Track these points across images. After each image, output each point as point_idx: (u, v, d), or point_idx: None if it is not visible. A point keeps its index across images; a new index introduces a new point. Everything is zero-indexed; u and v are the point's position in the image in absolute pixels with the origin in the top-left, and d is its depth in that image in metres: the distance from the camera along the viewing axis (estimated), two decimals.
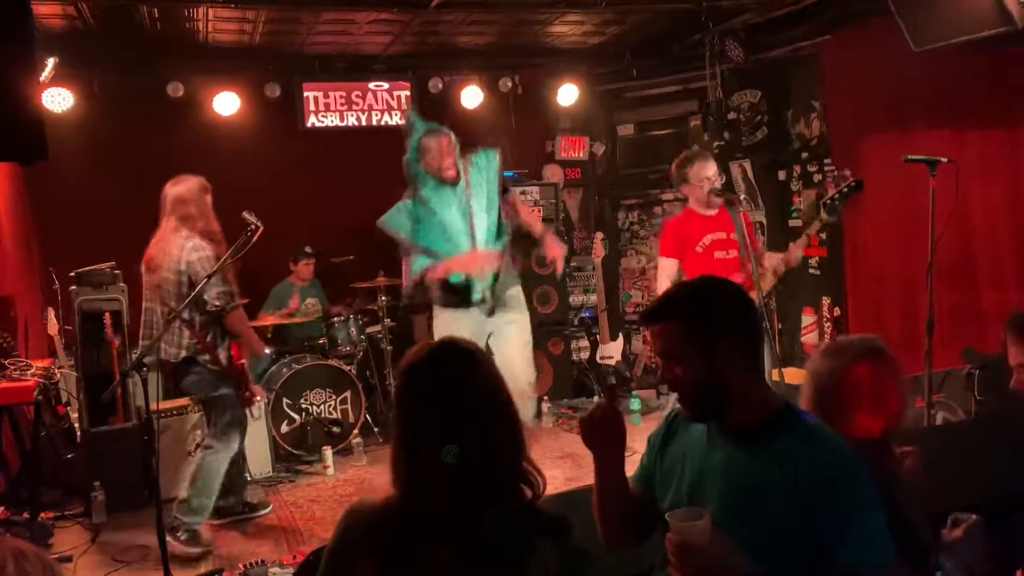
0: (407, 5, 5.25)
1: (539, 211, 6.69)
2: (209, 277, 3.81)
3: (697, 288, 1.86)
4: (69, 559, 4.13)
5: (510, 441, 1.54)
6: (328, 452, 5.43)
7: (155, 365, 4.08)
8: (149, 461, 3.58)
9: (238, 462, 4.57)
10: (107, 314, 4.94)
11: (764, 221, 6.51)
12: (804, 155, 6.20)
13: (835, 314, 5.99)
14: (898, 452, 2.05)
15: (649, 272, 7.22)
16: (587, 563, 1.52)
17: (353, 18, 5.49)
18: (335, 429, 5.72)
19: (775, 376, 4.13)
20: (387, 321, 6.18)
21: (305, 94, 6.36)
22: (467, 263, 4.39)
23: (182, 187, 4.15)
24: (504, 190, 4.57)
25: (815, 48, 5.74)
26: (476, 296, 4.44)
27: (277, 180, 6.42)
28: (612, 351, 6.36)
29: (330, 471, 5.37)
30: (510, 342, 4.54)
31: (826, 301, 6.09)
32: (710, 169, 4.36)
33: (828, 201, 4.14)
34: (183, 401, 4.94)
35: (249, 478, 4.96)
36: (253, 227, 3.78)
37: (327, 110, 6.43)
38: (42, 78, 5.09)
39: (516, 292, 4.65)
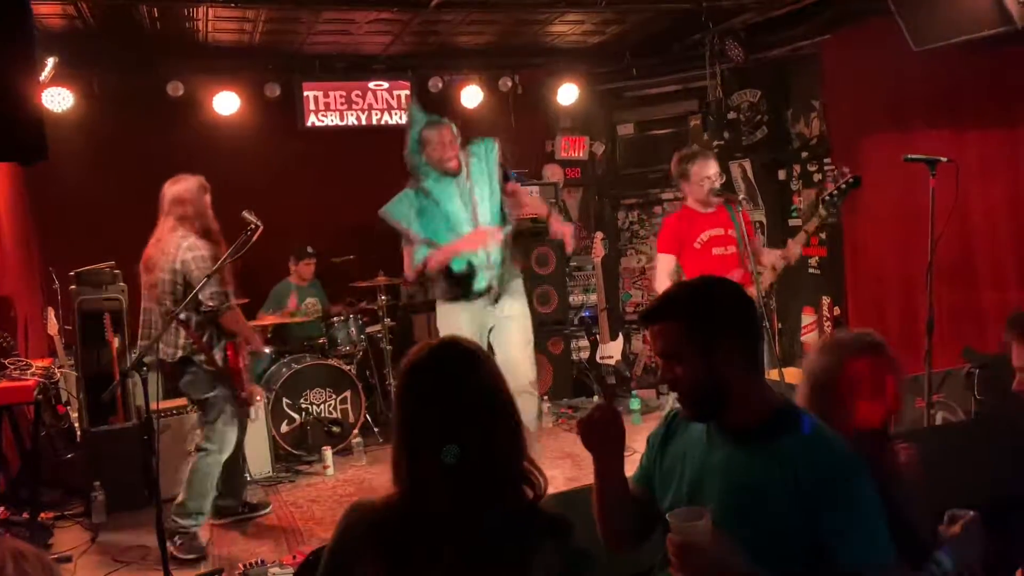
0: (407, 5, 5.25)
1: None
2: (209, 277, 3.81)
3: (697, 288, 1.86)
4: (69, 559, 4.13)
5: (511, 441, 1.54)
6: (328, 452, 5.43)
7: (155, 365, 4.07)
8: (149, 461, 3.58)
9: (238, 462, 4.57)
10: (107, 314, 4.94)
11: (764, 221, 6.51)
12: (804, 155, 6.20)
13: (835, 314, 5.99)
14: (896, 447, 2.06)
15: (649, 271, 7.22)
16: (588, 563, 1.51)
17: (353, 18, 5.49)
18: (335, 429, 5.72)
19: (775, 376, 4.13)
20: (387, 321, 6.18)
21: (305, 94, 6.36)
22: (470, 240, 4.39)
23: (180, 186, 4.14)
24: (505, 176, 4.58)
25: (815, 48, 5.74)
26: (482, 284, 4.45)
27: (277, 180, 6.42)
28: (612, 351, 6.36)
29: (330, 471, 5.36)
30: (512, 341, 4.55)
31: (826, 301, 6.09)
32: (711, 168, 4.36)
33: (827, 197, 4.16)
34: (183, 401, 4.92)
35: (249, 478, 4.96)
36: (253, 227, 3.78)
37: (327, 110, 6.44)
38: (42, 78, 5.08)
39: (518, 284, 4.67)
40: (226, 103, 6.19)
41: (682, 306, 1.79)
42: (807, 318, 6.26)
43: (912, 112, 5.00)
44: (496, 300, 4.52)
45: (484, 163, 4.49)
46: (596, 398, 6.54)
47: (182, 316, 3.96)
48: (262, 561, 3.82)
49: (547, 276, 6.73)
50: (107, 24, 5.31)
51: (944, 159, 3.79)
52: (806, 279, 6.16)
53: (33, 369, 4.25)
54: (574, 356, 6.94)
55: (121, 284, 5.10)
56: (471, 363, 1.56)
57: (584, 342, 6.93)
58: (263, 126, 6.44)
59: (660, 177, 6.98)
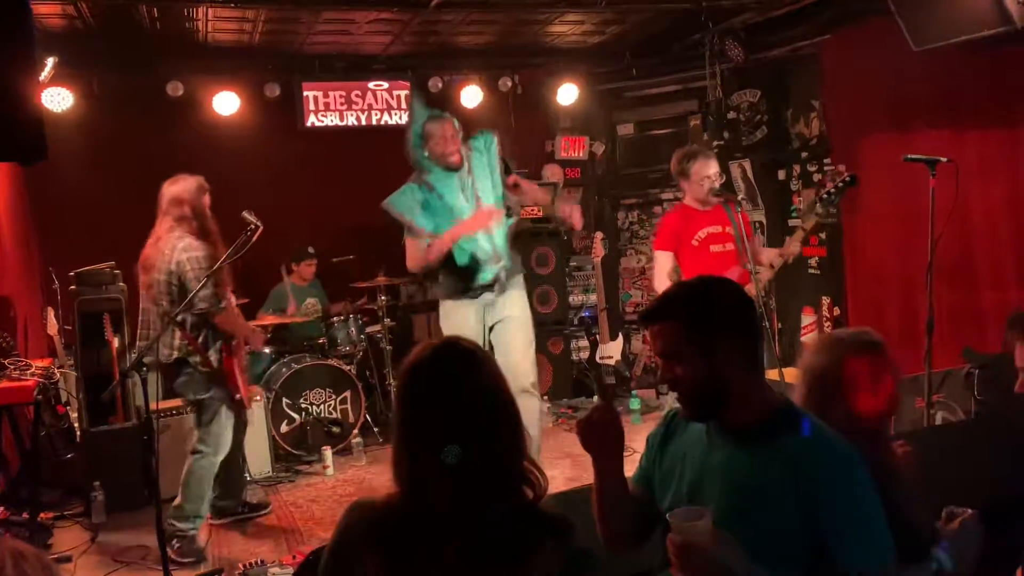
0: (407, 5, 5.25)
1: (538, 211, 6.71)
2: (208, 277, 3.81)
3: (696, 288, 1.86)
4: (68, 559, 4.13)
5: (511, 441, 1.53)
6: (328, 452, 5.43)
7: (154, 365, 4.07)
8: (149, 461, 3.57)
9: (238, 462, 4.57)
10: (106, 314, 4.94)
11: (764, 221, 6.51)
12: (804, 155, 6.19)
13: (835, 314, 5.99)
14: (893, 446, 2.06)
15: (649, 271, 7.21)
16: (589, 563, 1.51)
17: (353, 18, 5.49)
18: (335, 429, 5.72)
19: (775, 376, 4.14)
20: (387, 321, 6.18)
21: (305, 94, 6.36)
22: (473, 221, 4.39)
23: (179, 187, 4.13)
24: (506, 169, 4.58)
25: (815, 48, 5.73)
26: (488, 277, 4.44)
27: (277, 180, 6.42)
28: (612, 351, 6.35)
29: (330, 471, 5.36)
30: (513, 343, 4.53)
31: (826, 301, 6.09)
32: (712, 168, 4.37)
33: (824, 195, 4.17)
34: (181, 401, 4.94)
35: (249, 478, 4.96)
36: (253, 227, 3.78)
37: (327, 110, 6.43)
38: (42, 78, 5.08)
39: (520, 281, 4.67)
40: (226, 103, 6.18)
41: (682, 306, 1.79)
42: (807, 318, 6.25)
43: (912, 112, 5.00)
44: (503, 292, 4.52)
45: (485, 157, 4.49)
46: (596, 398, 6.54)
47: (178, 317, 3.95)
48: (262, 561, 3.83)
49: (547, 276, 6.73)
50: (107, 24, 5.31)
51: (944, 159, 3.79)
52: (806, 279, 6.16)
53: (33, 369, 4.25)
54: (574, 356, 6.94)
55: (121, 284, 5.10)
56: (472, 363, 1.56)
57: (584, 342, 6.93)
58: (263, 126, 6.43)
59: (660, 177, 6.97)
